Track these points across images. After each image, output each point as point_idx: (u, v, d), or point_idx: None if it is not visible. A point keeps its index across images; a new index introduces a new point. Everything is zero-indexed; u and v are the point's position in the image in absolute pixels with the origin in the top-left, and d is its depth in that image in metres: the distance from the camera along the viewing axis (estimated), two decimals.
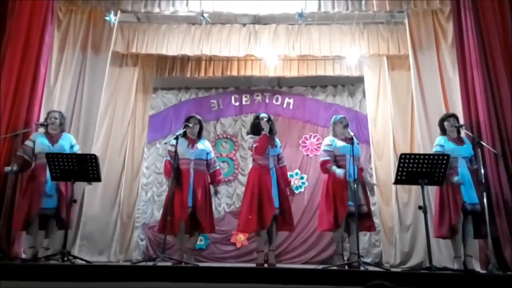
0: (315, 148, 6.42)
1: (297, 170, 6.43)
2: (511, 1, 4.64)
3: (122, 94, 5.80)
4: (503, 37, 4.56)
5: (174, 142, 4.33)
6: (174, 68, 6.20)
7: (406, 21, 5.20)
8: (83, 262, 4.08)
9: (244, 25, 5.66)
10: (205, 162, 4.51)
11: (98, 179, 4.10)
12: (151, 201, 6.36)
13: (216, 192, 4.64)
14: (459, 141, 4.24)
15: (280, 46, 5.54)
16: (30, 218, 4.11)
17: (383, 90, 5.75)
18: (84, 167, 3.96)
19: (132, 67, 5.92)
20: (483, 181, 3.93)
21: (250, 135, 4.60)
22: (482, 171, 3.96)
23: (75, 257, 4.20)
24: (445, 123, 4.31)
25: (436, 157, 3.74)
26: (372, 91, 5.88)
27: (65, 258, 3.83)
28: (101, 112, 5.23)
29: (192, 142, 4.49)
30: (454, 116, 4.38)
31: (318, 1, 5.17)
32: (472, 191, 4.02)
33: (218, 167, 4.64)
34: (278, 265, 4.56)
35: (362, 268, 3.76)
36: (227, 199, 6.42)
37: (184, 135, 4.50)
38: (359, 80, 6.24)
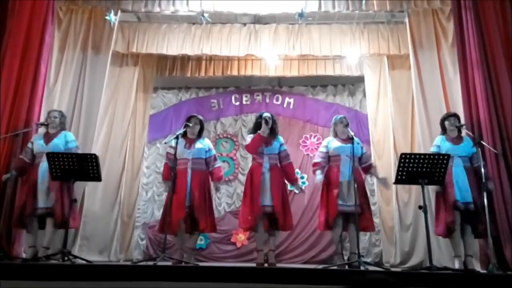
0: (315, 148, 6.40)
1: (297, 170, 6.39)
2: (511, 1, 4.63)
3: (122, 93, 5.80)
4: (504, 36, 4.56)
5: (174, 143, 4.33)
6: (175, 67, 6.20)
7: (406, 20, 5.19)
8: (84, 262, 4.09)
9: (245, 24, 5.66)
10: (204, 161, 4.50)
11: (98, 178, 4.11)
12: (151, 200, 6.37)
13: (216, 189, 4.66)
14: (457, 140, 4.23)
15: (281, 46, 5.55)
16: (24, 216, 4.14)
17: (384, 89, 5.75)
18: (85, 167, 3.96)
19: (133, 67, 5.92)
20: (484, 180, 3.92)
21: (249, 134, 4.61)
22: (483, 170, 3.95)
23: (76, 257, 4.22)
24: (446, 123, 4.30)
25: (436, 157, 3.73)
26: (372, 91, 5.88)
27: (66, 258, 3.84)
28: (101, 111, 5.22)
29: (190, 142, 4.48)
30: (455, 115, 4.37)
31: (318, 1, 5.17)
32: (466, 190, 4.00)
33: (218, 165, 4.61)
34: (278, 265, 4.56)
35: (362, 268, 3.76)
36: (227, 199, 6.43)
37: (185, 134, 4.50)
38: (360, 79, 6.24)
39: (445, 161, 3.69)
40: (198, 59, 6.13)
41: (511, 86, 4.40)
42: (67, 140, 4.41)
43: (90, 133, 5.02)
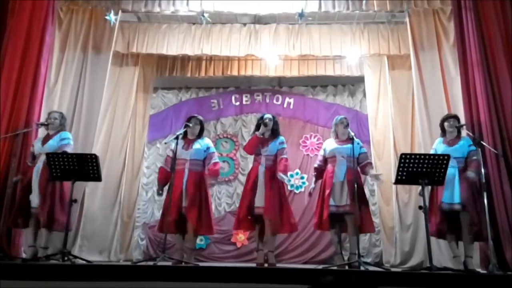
0: (315, 148, 6.42)
1: (297, 170, 6.43)
2: (511, 1, 4.63)
3: (122, 93, 5.81)
4: (505, 36, 4.54)
5: (173, 144, 4.33)
6: (175, 67, 6.21)
7: (407, 20, 5.19)
8: (84, 262, 4.08)
9: (245, 24, 5.67)
10: (202, 162, 4.47)
11: (98, 179, 4.10)
12: (151, 200, 6.37)
13: (212, 185, 4.68)
14: (453, 141, 4.19)
15: (281, 46, 5.55)
16: (18, 215, 4.19)
17: (384, 90, 5.75)
18: (85, 167, 3.96)
19: (133, 67, 5.93)
20: (484, 181, 3.91)
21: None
22: (483, 170, 3.94)
23: (76, 257, 4.21)
24: (445, 124, 4.29)
25: (436, 157, 3.73)
26: (372, 91, 5.88)
27: (65, 258, 3.84)
28: (101, 111, 5.23)
29: (188, 143, 4.47)
30: (455, 117, 4.34)
31: (318, 1, 5.17)
32: (454, 191, 3.96)
33: (215, 160, 4.50)
34: (278, 265, 4.55)
35: (362, 268, 3.76)
36: (227, 199, 6.43)
37: (185, 135, 4.50)
38: (360, 80, 6.24)
39: (445, 161, 3.68)
40: (198, 59, 6.14)
41: (511, 86, 4.39)
42: (61, 138, 4.39)
43: (90, 133, 5.02)
